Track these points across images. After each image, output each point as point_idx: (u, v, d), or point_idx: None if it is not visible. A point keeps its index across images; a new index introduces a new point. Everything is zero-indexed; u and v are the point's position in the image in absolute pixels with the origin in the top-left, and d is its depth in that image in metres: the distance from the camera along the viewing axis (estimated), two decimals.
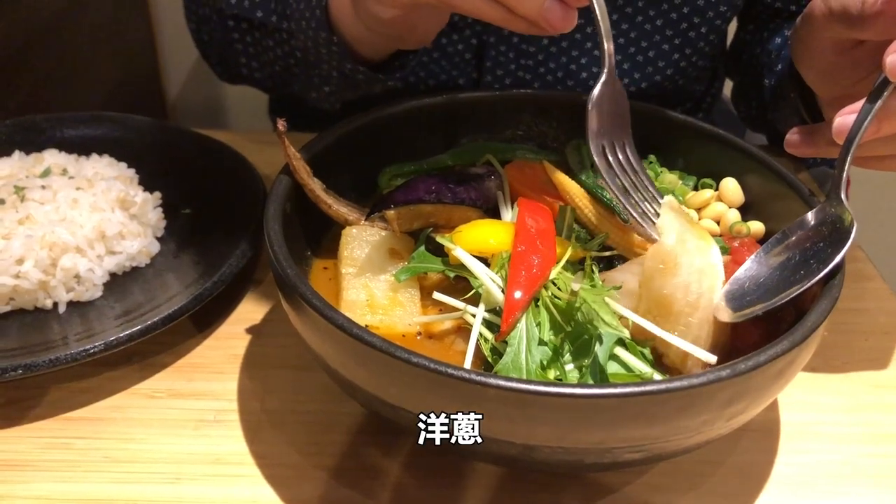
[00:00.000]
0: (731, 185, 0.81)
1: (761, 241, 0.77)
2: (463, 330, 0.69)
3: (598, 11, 0.71)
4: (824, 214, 0.69)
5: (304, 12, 0.90)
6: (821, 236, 0.68)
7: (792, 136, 0.77)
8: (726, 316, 0.66)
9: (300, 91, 1.04)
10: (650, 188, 0.75)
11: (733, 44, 1.22)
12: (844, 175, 0.68)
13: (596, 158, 0.73)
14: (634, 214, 0.72)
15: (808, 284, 0.65)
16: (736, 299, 0.67)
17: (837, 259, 0.65)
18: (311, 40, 0.91)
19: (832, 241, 0.67)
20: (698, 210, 0.81)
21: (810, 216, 0.70)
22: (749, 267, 0.70)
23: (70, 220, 0.84)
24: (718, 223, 0.80)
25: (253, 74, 1.08)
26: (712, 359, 0.64)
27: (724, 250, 0.75)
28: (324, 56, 0.91)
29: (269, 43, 1.01)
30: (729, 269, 0.73)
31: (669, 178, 0.82)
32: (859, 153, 0.68)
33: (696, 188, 0.84)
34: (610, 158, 0.74)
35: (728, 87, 1.29)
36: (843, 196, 0.68)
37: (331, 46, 0.89)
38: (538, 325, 0.64)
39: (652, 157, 0.85)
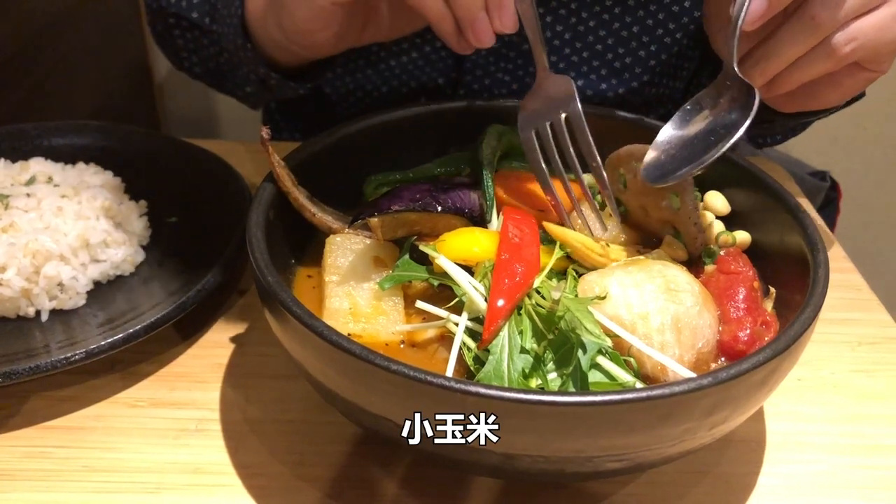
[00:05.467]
0: (715, 197, 0.80)
1: (747, 251, 0.77)
2: (446, 338, 0.69)
3: (527, 27, 0.75)
4: (723, 88, 0.75)
5: (227, 18, 0.96)
6: (725, 107, 0.74)
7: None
8: (650, 182, 0.73)
9: (230, 89, 1.11)
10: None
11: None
12: (735, 48, 0.74)
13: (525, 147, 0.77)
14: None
15: (724, 148, 0.71)
16: (654, 171, 0.74)
17: (747, 122, 0.71)
18: (232, 44, 0.96)
19: (738, 109, 0.73)
20: None
21: (708, 93, 0.76)
22: (663, 141, 0.76)
23: (54, 227, 0.83)
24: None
25: (193, 68, 1.14)
26: (687, 373, 0.63)
27: (713, 253, 0.75)
28: (242, 59, 0.97)
29: (204, 41, 1.07)
30: (714, 279, 0.73)
31: None
32: (781, 78, 0.77)
33: None
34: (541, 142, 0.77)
35: None
36: (736, 69, 0.74)
37: (246, 52, 0.95)
38: (520, 333, 0.64)
39: None
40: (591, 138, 0.74)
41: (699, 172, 0.72)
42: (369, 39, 0.89)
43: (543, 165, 0.76)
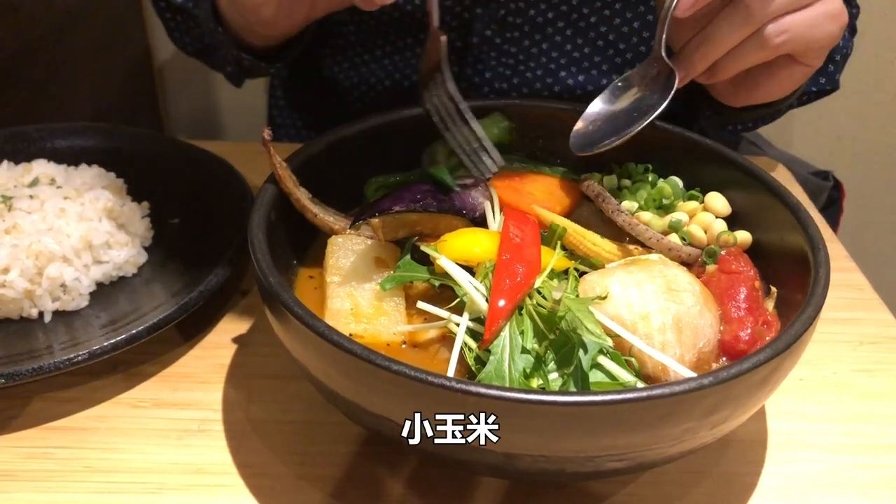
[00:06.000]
0: (716, 198, 0.80)
1: (748, 251, 0.77)
2: (448, 339, 0.69)
3: None
4: (650, 70, 0.81)
5: (202, 2, 0.99)
6: (649, 87, 0.81)
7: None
8: (575, 152, 0.80)
9: (220, 68, 1.15)
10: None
11: None
12: (664, 32, 0.79)
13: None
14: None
15: (642, 125, 0.77)
16: (580, 141, 0.80)
17: (665, 102, 0.78)
18: (208, 27, 1.01)
19: (659, 90, 0.79)
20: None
21: (637, 73, 0.82)
22: (591, 113, 0.82)
23: (57, 229, 0.84)
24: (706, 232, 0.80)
25: (186, 47, 1.17)
26: (688, 373, 0.63)
27: (715, 253, 0.75)
28: (218, 41, 1.01)
29: (191, 24, 1.11)
30: (715, 279, 0.73)
31: (665, 188, 0.82)
32: (720, 65, 0.81)
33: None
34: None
35: None
36: (662, 53, 0.80)
37: (219, 35, 0.99)
38: (522, 333, 0.64)
39: (648, 165, 0.85)
40: (454, 85, 0.80)
41: (617, 144, 0.78)
42: (324, 10, 0.91)
43: (442, 127, 0.82)
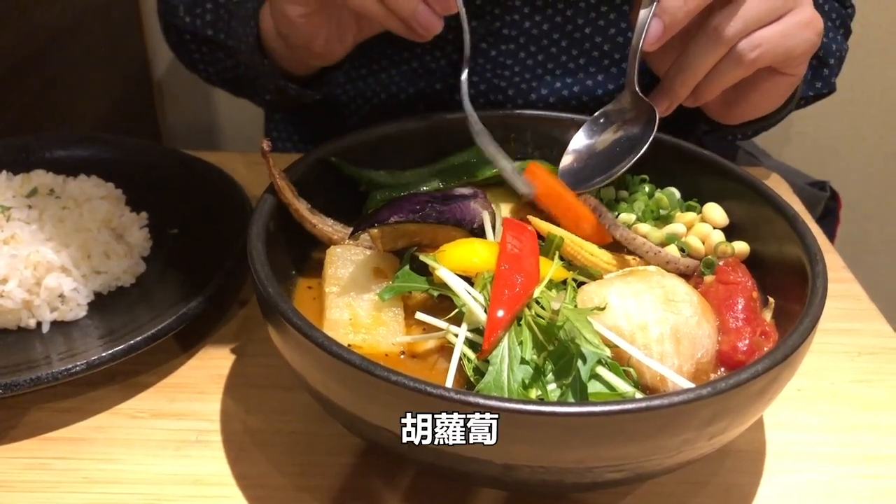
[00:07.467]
0: (714, 209, 0.81)
1: (746, 261, 0.78)
2: (447, 349, 0.69)
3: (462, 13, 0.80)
4: (627, 104, 0.84)
5: (242, 36, 0.99)
6: (631, 122, 0.83)
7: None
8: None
9: (249, 95, 1.15)
10: None
11: None
12: (636, 68, 0.82)
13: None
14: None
15: (630, 162, 0.79)
16: (569, 178, 0.82)
17: (651, 137, 0.80)
18: (248, 59, 1.00)
19: (641, 125, 0.82)
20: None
21: (615, 108, 0.84)
22: (576, 149, 0.85)
23: (55, 239, 0.84)
24: (704, 243, 0.80)
25: (210, 78, 1.17)
26: (686, 384, 0.64)
27: (712, 264, 0.75)
28: (259, 72, 0.99)
29: (220, 55, 1.10)
30: (713, 290, 0.74)
31: (662, 199, 0.82)
32: (702, 88, 0.83)
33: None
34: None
35: None
36: (636, 88, 0.83)
37: (263, 67, 0.98)
38: (520, 343, 0.64)
39: (645, 176, 0.85)
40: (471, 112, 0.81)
41: (607, 184, 0.80)
42: (370, 31, 0.92)
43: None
